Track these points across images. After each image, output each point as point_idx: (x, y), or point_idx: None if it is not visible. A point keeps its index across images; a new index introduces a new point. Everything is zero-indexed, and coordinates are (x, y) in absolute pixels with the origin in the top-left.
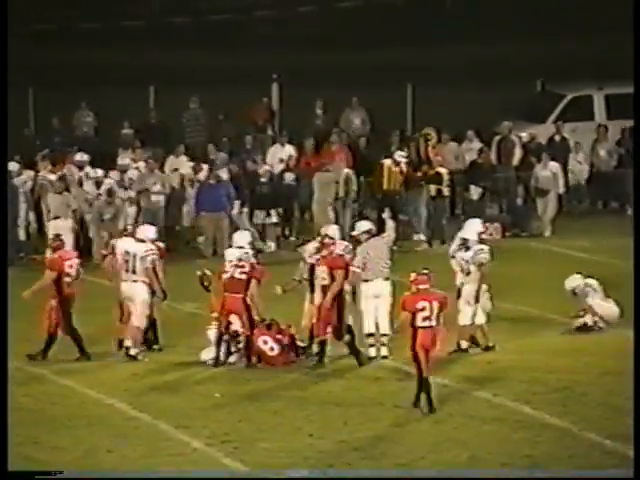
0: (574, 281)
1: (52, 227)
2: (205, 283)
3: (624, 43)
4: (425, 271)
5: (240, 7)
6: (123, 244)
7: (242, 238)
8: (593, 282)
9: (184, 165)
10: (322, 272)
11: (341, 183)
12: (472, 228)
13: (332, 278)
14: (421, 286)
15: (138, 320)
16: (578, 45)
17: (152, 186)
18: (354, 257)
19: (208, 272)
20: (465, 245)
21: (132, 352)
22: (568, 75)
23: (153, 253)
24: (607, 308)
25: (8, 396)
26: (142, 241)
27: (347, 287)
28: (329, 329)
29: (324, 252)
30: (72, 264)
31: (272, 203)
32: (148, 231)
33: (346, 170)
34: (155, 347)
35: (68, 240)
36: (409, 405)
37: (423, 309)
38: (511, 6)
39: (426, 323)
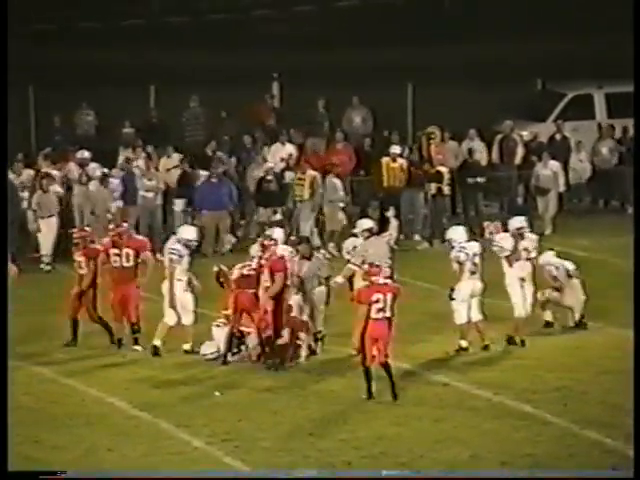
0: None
1: (43, 224)
2: (221, 279)
3: (623, 42)
4: (377, 263)
5: (240, 6)
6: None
7: (279, 235)
8: (561, 267)
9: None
10: (264, 274)
11: (306, 186)
12: (459, 230)
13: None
14: (374, 278)
15: (187, 319)
16: (578, 44)
17: (147, 183)
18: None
19: (225, 268)
20: (450, 245)
21: (187, 347)
22: (568, 74)
23: (172, 253)
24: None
25: (8, 395)
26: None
27: (340, 280)
28: (269, 330)
29: (266, 254)
30: None
31: (277, 201)
32: (185, 232)
33: (312, 172)
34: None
35: (49, 237)
36: (410, 403)
37: (377, 301)
38: (510, 6)
39: (380, 315)
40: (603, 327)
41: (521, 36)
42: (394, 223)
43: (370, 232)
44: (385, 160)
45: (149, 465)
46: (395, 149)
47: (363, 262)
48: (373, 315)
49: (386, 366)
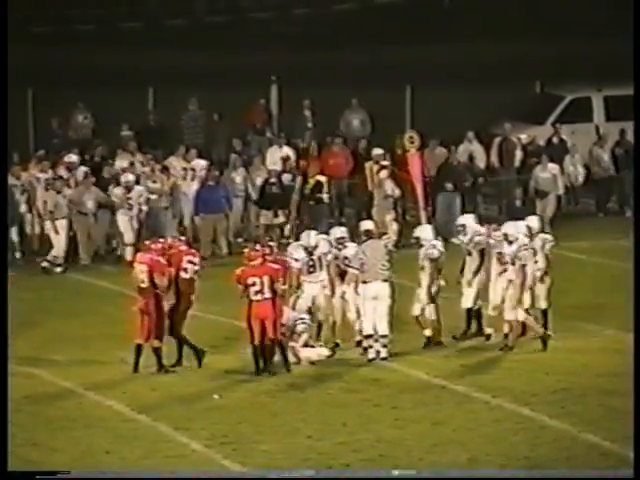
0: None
1: (59, 226)
2: None
3: (622, 44)
4: (257, 247)
5: (238, 8)
6: None
7: (509, 227)
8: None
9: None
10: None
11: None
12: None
13: None
14: (252, 262)
15: None
16: (577, 46)
17: (151, 185)
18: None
19: None
20: (419, 242)
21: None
22: (567, 76)
23: None
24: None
25: (8, 397)
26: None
27: (346, 288)
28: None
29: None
30: None
31: (280, 204)
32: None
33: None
34: None
35: (62, 239)
36: (408, 406)
37: (254, 284)
38: (509, 8)
39: (259, 297)
40: (602, 330)
41: (520, 38)
42: (394, 227)
43: (369, 234)
44: (368, 164)
45: (147, 467)
46: (377, 151)
47: (362, 265)
48: (252, 297)
49: (272, 344)
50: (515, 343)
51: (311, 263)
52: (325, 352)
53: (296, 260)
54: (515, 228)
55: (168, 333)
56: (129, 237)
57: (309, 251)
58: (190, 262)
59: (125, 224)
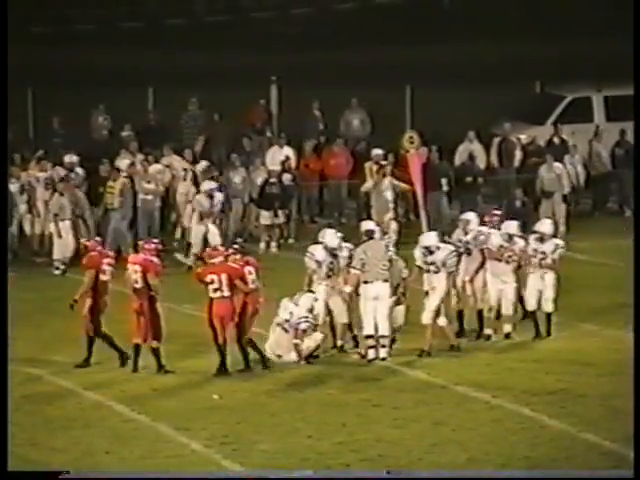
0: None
1: (62, 228)
2: None
3: (622, 44)
4: (220, 247)
5: (238, 8)
6: None
7: (429, 239)
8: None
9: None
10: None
11: (116, 193)
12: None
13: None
14: (211, 260)
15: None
16: (577, 46)
17: (145, 186)
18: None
19: None
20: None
21: None
22: (567, 76)
23: None
24: None
25: (8, 396)
26: None
27: (348, 289)
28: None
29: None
30: None
31: (279, 204)
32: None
33: (123, 180)
34: None
35: (68, 240)
36: (408, 406)
37: (212, 282)
38: (509, 8)
39: (217, 294)
40: (602, 329)
41: (520, 38)
42: (394, 226)
43: (370, 235)
44: (368, 164)
45: (147, 467)
46: (377, 152)
47: (363, 265)
48: (211, 295)
49: (240, 345)
50: (431, 348)
51: (331, 266)
52: (319, 336)
53: (317, 261)
54: (435, 239)
55: (93, 333)
56: (198, 245)
57: (332, 253)
58: (109, 264)
59: (200, 232)
